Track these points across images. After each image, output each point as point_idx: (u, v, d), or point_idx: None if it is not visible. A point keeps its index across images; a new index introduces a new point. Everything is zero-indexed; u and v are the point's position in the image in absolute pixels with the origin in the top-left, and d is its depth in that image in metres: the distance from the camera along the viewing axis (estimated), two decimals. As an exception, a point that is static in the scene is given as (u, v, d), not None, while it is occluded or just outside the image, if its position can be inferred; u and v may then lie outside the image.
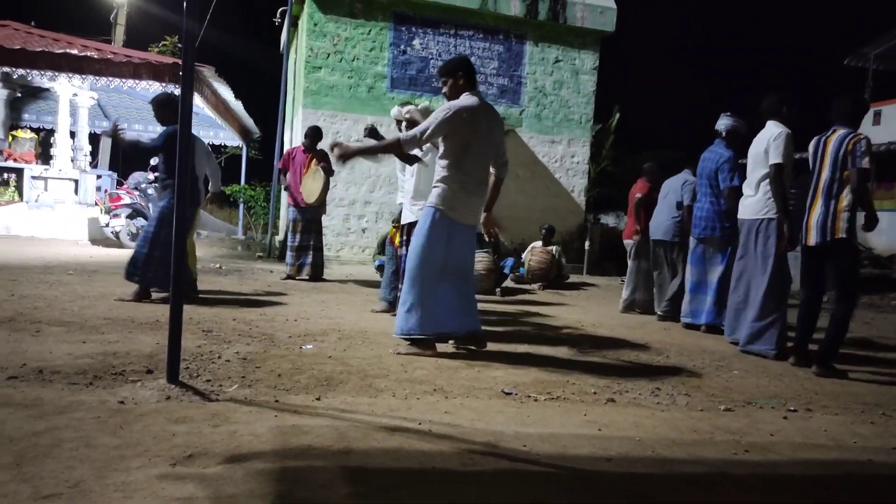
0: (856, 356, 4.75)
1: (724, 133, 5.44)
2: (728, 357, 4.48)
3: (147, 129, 15.43)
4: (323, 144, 7.69)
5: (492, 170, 3.99)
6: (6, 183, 11.13)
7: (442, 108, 3.77)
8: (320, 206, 7.35)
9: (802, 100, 4.75)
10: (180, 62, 3.04)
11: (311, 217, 7.37)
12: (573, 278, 9.63)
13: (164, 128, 5.23)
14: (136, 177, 11.26)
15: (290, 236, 7.46)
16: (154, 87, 10.13)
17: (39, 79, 10.88)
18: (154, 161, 11.01)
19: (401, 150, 3.92)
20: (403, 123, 5.20)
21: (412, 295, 3.78)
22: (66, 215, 10.92)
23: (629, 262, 6.74)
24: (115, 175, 14.39)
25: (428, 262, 3.77)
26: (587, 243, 11.38)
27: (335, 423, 2.46)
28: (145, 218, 10.51)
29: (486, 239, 4.54)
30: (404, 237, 5.11)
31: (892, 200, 15.41)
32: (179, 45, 11.61)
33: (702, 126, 6.22)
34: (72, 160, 11.73)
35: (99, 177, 13.25)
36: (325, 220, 8.16)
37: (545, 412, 2.85)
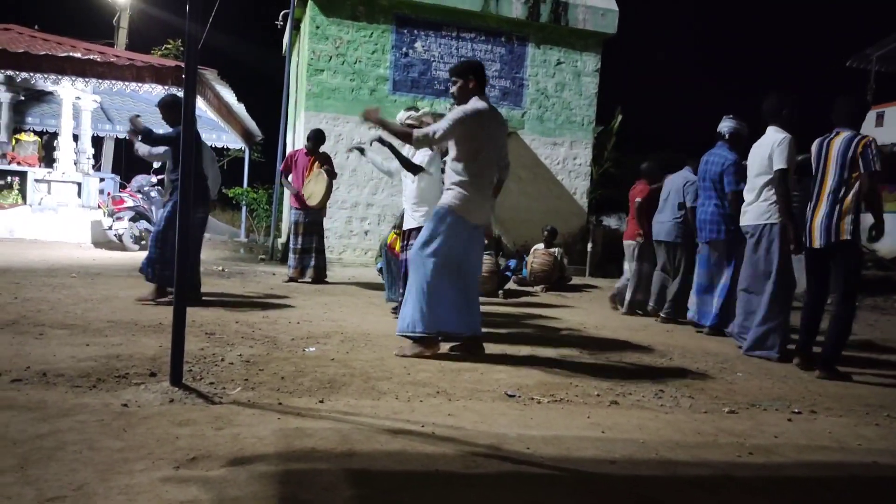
0: (859, 358, 4.74)
1: (726, 136, 5.43)
2: (731, 359, 4.48)
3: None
4: (326, 147, 7.71)
5: None
6: (10, 186, 11.15)
7: (455, 111, 3.84)
8: (322, 208, 7.36)
9: (804, 101, 4.74)
10: (183, 65, 3.05)
11: (313, 219, 7.38)
12: (575, 280, 9.62)
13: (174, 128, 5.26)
14: (139, 180, 11.28)
15: (292, 239, 7.47)
16: (157, 91, 10.16)
17: (43, 82, 10.92)
18: (156, 164, 11.05)
19: (410, 142, 3.96)
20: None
21: (415, 292, 3.82)
22: (70, 218, 10.94)
23: (628, 264, 6.71)
24: (118, 178, 14.44)
25: (434, 261, 3.81)
26: (589, 245, 11.36)
27: (338, 426, 2.46)
28: (148, 221, 10.53)
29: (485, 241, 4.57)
30: (405, 242, 5.12)
31: (895, 203, 15.38)
32: (182, 49, 11.64)
33: (704, 127, 6.22)
34: (75, 163, 11.75)
35: (102, 180, 13.29)
36: (327, 222, 8.17)
37: (548, 414, 2.84)
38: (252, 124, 14.57)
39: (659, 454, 2.42)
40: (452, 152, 3.88)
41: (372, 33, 10.74)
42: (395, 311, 5.23)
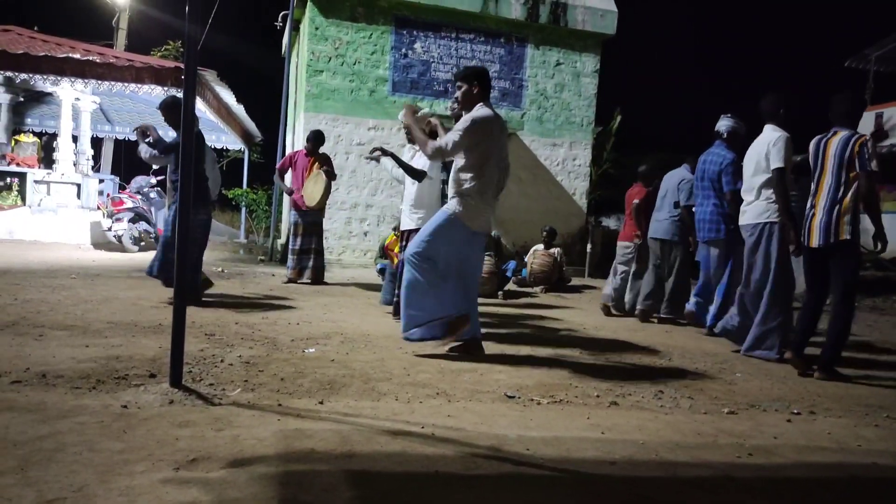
0: (859, 359, 4.74)
1: (724, 134, 5.43)
2: (731, 360, 4.48)
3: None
4: (325, 148, 7.72)
5: None
6: (9, 187, 11.15)
7: (463, 120, 3.88)
8: (321, 209, 7.36)
9: (803, 101, 4.75)
10: (182, 66, 3.05)
11: (312, 220, 7.38)
12: (575, 281, 9.62)
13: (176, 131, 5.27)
14: (139, 181, 11.29)
15: (291, 240, 7.47)
16: (156, 92, 10.16)
17: (42, 83, 10.92)
18: (156, 165, 11.05)
19: (425, 151, 4.02)
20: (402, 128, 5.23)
21: (412, 283, 3.88)
22: (69, 219, 10.94)
23: (619, 265, 6.69)
24: (117, 179, 14.43)
25: (430, 258, 3.85)
26: (589, 246, 11.37)
27: (338, 427, 2.46)
28: (148, 222, 10.54)
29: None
30: (403, 243, 5.13)
31: (895, 202, 15.38)
32: (182, 50, 11.62)
33: (702, 128, 6.21)
34: (74, 164, 11.75)
35: (101, 181, 13.29)
36: (326, 223, 8.17)
37: (548, 415, 2.84)
38: (251, 125, 14.58)
39: (659, 455, 2.42)
40: (459, 161, 3.92)
41: (371, 34, 10.75)
42: (396, 313, 5.22)
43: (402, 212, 5.29)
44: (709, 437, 2.69)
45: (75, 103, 11.83)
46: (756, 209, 4.59)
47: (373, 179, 10.82)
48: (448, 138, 3.85)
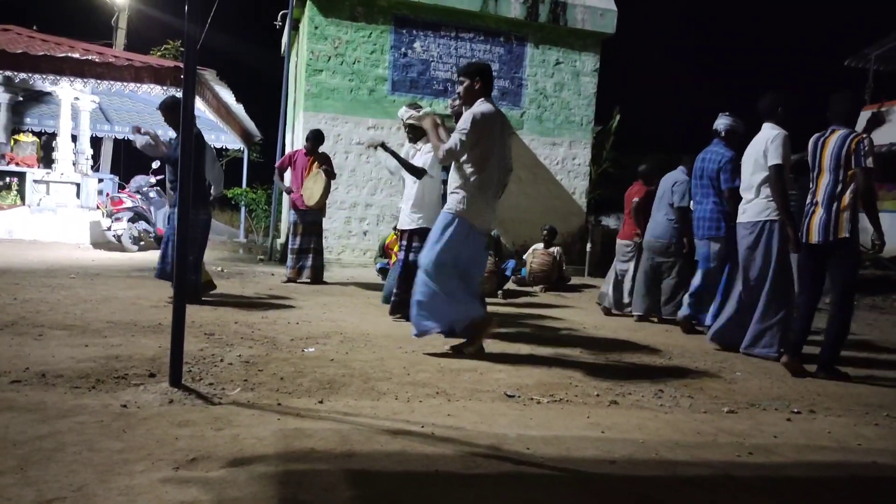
0: (858, 358, 4.74)
1: (722, 133, 5.42)
2: (730, 359, 4.48)
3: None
4: (324, 147, 7.71)
5: None
6: (8, 187, 11.14)
7: (464, 117, 3.87)
8: (321, 208, 7.35)
9: (803, 101, 4.74)
10: (182, 65, 3.05)
11: (311, 220, 7.38)
12: (575, 280, 9.62)
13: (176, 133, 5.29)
14: (138, 180, 11.29)
15: (290, 239, 7.47)
16: (155, 91, 10.14)
17: (41, 83, 10.91)
18: (155, 165, 11.05)
19: (436, 157, 4.06)
20: (406, 127, 5.22)
21: (429, 294, 3.84)
22: (68, 219, 10.93)
23: (621, 264, 6.69)
24: (116, 179, 14.42)
25: (445, 265, 3.84)
26: (588, 245, 11.36)
27: (338, 427, 2.46)
28: (147, 221, 10.53)
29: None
30: (403, 243, 5.13)
31: (894, 201, 15.39)
32: (181, 49, 11.63)
33: (702, 127, 6.20)
34: (73, 164, 11.73)
35: (101, 180, 13.27)
36: (326, 222, 8.16)
37: (548, 414, 2.84)
38: (251, 125, 14.57)
39: (658, 454, 2.42)
40: (462, 156, 3.90)
41: (371, 33, 10.74)
42: (394, 312, 5.22)
43: (401, 211, 5.29)
44: (708, 436, 2.69)
45: (74, 103, 11.81)
46: (756, 207, 4.59)
47: (372, 179, 10.82)
48: (454, 139, 3.84)
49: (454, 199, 3.88)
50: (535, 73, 11.54)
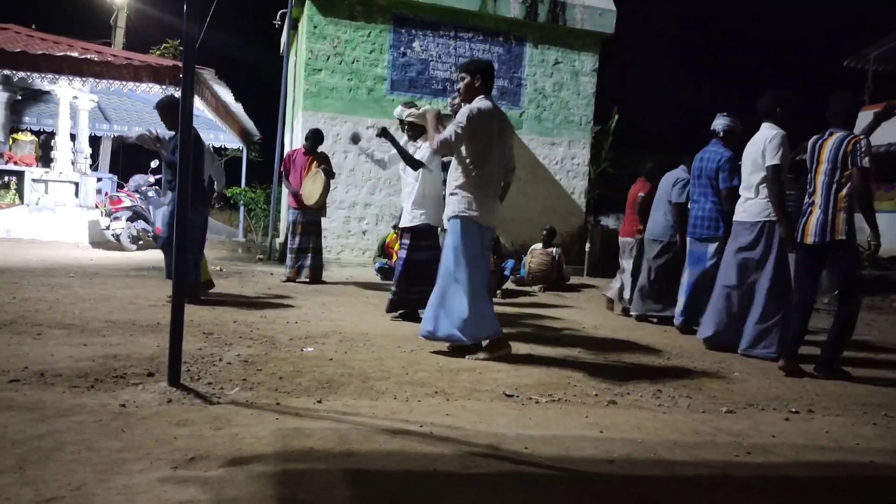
0: (857, 358, 4.74)
1: (721, 133, 5.42)
2: (729, 359, 4.48)
3: (146, 131, 15.40)
4: (324, 147, 7.71)
5: None
6: (7, 186, 11.12)
7: (463, 111, 3.87)
8: (320, 208, 7.35)
9: (802, 101, 4.75)
10: (181, 64, 3.05)
11: (310, 219, 7.37)
12: (574, 280, 9.62)
13: (173, 133, 5.27)
14: (137, 179, 11.27)
15: (289, 238, 7.46)
16: (154, 90, 10.13)
17: (40, 81, 10.88)
18: (154, 164, 11.04)
19: (431, 147, 4.08)
20: (405, 125, 5.21)
21: (476, 302, 3.85)
22: (67, 218, 10.92)
23: (625, 261, 6.70)
24: (115, 178, 14.40)
25: (477, 269, 3.87)
26: (587, 245, 11.37)
27: (337, 426, 2.46)
28: (146, 220, 10.52)
29: None
30: (405, 241, 5.13)
31: (893, 202, 15.41)
32: (180, 48, 11.61)
33: (701, 127, 6.20)
34: (72, 163, 11.72)
35: (99, 179, 13.26)
36: (325, 222, 8.16)
37: (547, 414, 2.85)
38: (250, 124, 14.56)
39: (657, 454, 2.42)
40: (461, 153, 3.90)
41: (370, 33, 10.74)
42: (391, 310, 5.21)
43: (402, 209, 5.28)
44: (707, 436, 2.69)
45: (73, 102, 11.80)
46: (755, 207, 4.59)
47: (371, 178, 10.81)
48: (450, 130, 3.83)
49: (455, 202, 3.87)
50: (534, 73, 11.54)
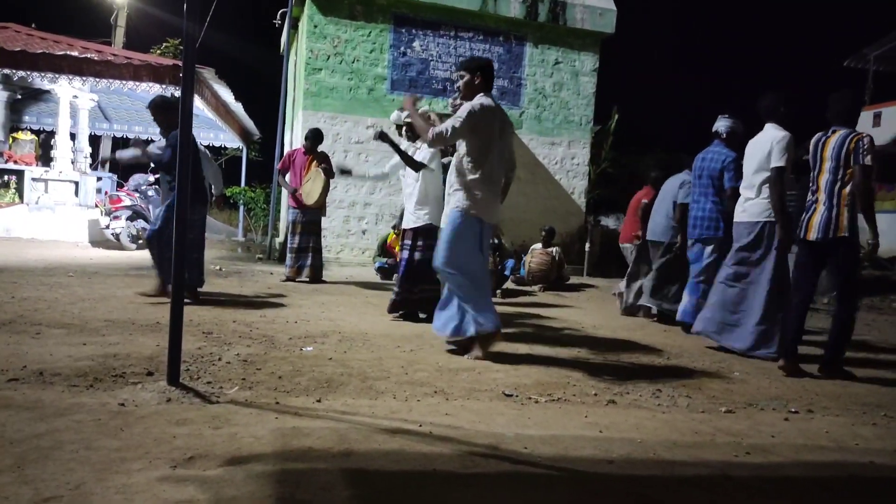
0: (856, 358, 4.74)
1: (724, 134, 5.42)
2: (728, 359, 4.48)
3: (147, 131, 15.44)
4: (323, 146, 7.70)
5: None
6: (6, 185, 11.12)
7: (463, 107, 3.86)
8: (320, 207, 7.35)
9: (803, 101, 4.74)
10: (181, 64, 3.05)
11: (310, 218, 7.37)
12: (573, 280, 9.63)
13: (163, 133, 5.26)
14: (137, 179, 11.27)
15: (289, 238, 7.46)
16: (154, 89, 10.13)
17: (40, 81, 10.89)
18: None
19: (424, 140, 4.03)
20: (403, 128, 5.21)
21: (474, 295, 3.88)
22: (67, 217, 10.92)
23: (632, 267, 6.72)
24: (115, 177, 14.40)
25: (472, 262, 3.87)
26: (587, 245, 11.37)
27: (336, 426, 2.46)
28: (146, 220, 10.51)
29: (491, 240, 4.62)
30: (407, 241, 5.12)
31: (893, 202, 15.41)
32: (181, 47, 11.63)
33: (701, 127, 6.21)
34: (72, 162, 11.72)
35: (99, 179, 13.26)
36: (325, 221, 8.16)
37: (546, 414, 2.84)
38: (250, 123, 14.56)
39: (656, 454, 2.42)
40: (461, 150, 3.90)
41: (370, 32, 10.73)
42: (393, 310, 5.21)
43: (404, 210, 5.27)
44: (706, 436, 2.69)
45: (73, 101, 11.80)
46: (756, 207, 4.58)
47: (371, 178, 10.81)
48: (447, 124, 3.83)
49: (456, 198, 3.87)
50: (534, 73, 11.54)
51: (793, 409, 3.22)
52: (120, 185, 13.04)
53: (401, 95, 10.77)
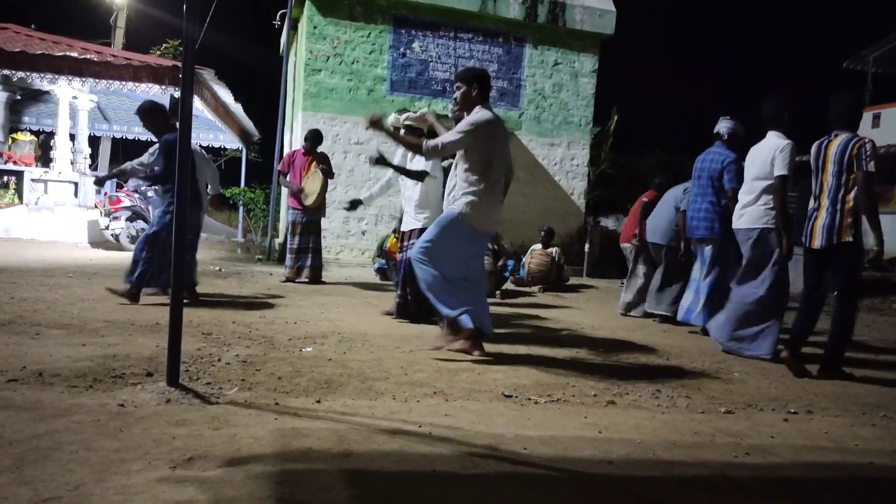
0: (856, 359, 4.74)
1: (725, 136, 5.43)
2: (728, 359, 4.48)
3: (146, 132, 15.42)
4: (323, 147, 7.71)
5: None
6: (6, 185, 11.12)
7: (464, 122, 3.89)
8: (319, 208, 7.35)
9: (801, 103, 4.75)
10: (180, 65, 3.05)
11: (310, 219, 7.37)
12: (573, 280, 9.63)
13: (159, 138, 5.22)
14: (136, 179, 11.26)
15: (289, 238, 7.46)
16: (154, 90, 10.13)
17: (39, 81, 10.89)
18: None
19: (420, 153, 4.03)
20: (402, 130, 5.20)
21: (436, 290, 3.88)
22: (66, 218, 10.91)
23: (631, 266, 6.74)
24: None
25: (448, 264, 3.87)
26: (587, 246, 11.38)
27: (335, 426, 2.46)
28: (145, 221, 10.51)
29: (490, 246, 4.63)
30: (405, 244, 5.12)
31: (892, 204, 15.41)
32: (180, 48, 11.61)
33: (700, 128, 6.22)
34: (71, 163, 11.72)
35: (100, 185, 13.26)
36: (324, 222, 8.16)
37: (545, 414, 2.84)
38: (249, 124, 14.56)
39: (656, 454, 2.42)
40: (463, 164, 3.92)
41: (369, 33, 10.74)
42: (400, 315, 5.21)
43: (403, 212, 5.27)
44: (706, 437, 2.69)
45: (73, 102, 11.80)
46: (754, 213, 4.60)
47: (371, 178, 10.81)
48: (446, 138, 3.86)
49: (462, 202, 3.88)
50: (533, 74, 11.55)
51: (792, 410, 3.22)
52: (119, 186, 13.04)
53: (400, 97, 10.78)
